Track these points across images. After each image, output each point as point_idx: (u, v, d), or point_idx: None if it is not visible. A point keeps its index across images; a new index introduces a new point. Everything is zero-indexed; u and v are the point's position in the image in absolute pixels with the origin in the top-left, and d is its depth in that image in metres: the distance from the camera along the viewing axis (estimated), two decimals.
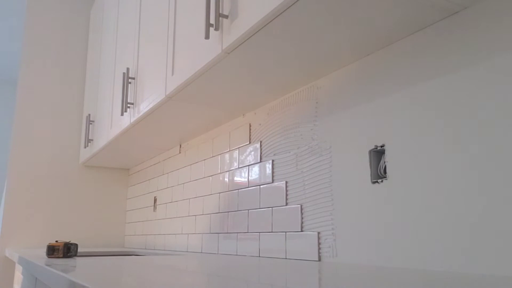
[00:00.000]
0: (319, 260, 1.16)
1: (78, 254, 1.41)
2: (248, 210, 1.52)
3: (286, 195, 1.33)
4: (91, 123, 2.43)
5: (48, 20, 2.82)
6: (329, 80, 1.21)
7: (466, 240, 0.82)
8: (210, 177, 1.82)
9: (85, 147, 2.46)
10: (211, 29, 1.08)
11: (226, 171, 1.70)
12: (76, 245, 1.38)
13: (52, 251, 1.35)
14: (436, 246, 0.87)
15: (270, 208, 1.40)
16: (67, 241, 1.39)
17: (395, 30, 0.97)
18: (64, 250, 1.35)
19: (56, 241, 1.38)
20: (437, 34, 0.93)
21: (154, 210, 2.40)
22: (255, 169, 1.51)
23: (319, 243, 1.17)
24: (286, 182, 1.34)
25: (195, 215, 1.91)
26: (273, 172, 1.41)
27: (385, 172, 1.01)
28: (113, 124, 2.01)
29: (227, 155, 1.71)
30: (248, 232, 1.50)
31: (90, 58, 2.80)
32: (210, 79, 1.25)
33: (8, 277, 2.39)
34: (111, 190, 2.78)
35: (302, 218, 1.25)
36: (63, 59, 2.79)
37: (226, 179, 1.69)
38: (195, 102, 1.47)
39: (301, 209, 1.25)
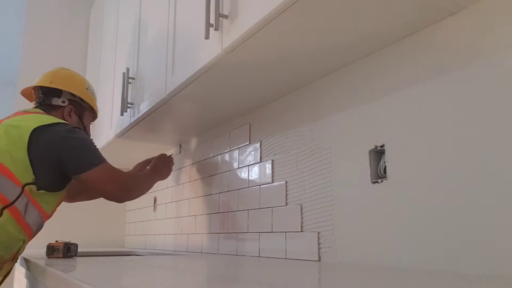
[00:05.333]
0: (319, 260, 1.16)
1: (78, 254, 1.41)
2: (248, 210, 1.52)
3: (286, 195, 1.33)
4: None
5: (48, 20, 2.82)
6: (329, 80, 1.21)
7: (467, 240, 0.82)
8: (210, 177, 1.82)
9: None
10: (211, 29, 1.08)
11: (226, 171, 1.70)
12: (76, 245, 1.38)
13: (52, 251, 1.34)
14: (436, 246, 0.87)
15: (270, 208, 1.40)
16: (67, 241, 1.39)
17: (395, 30, 0.97)
18: (64, 250, 1.35)
19: (56, 241, 1.38)
20: (436, 34, 0.93)
21: (154, 210, 2.40)
22: (255, 169, 1.51)
23: (319, 243, 1.17)
24: (286, 182, 1.34)
25: (195, 215, 1.91)
26: (273, 172, 1.41)
27: (385, 172, 1.01)
28: (113, 124, 2.01)
29: (227, 155, 1.71)
30: (248, 232, 1.50)
31: (90, 58, 2.80)
32: (210, 79, 1.25)
33: (8, 277, 2.39)
34: None
35: (302, 218, 1.25)
36: (63, 59, 2.79)
37: (226, 179, 1.69)
38: (195, 102, 1.47)
39: (301, 209, 1.25)
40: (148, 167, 1.75)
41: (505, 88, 0.79)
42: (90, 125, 1.64)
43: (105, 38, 2.45)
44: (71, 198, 1.70)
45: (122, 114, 1.78)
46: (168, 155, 1.88)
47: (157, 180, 1.74)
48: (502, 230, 0.76)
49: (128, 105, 1.78)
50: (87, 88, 1.56)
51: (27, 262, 1.25)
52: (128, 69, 1.83)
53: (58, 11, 2.87)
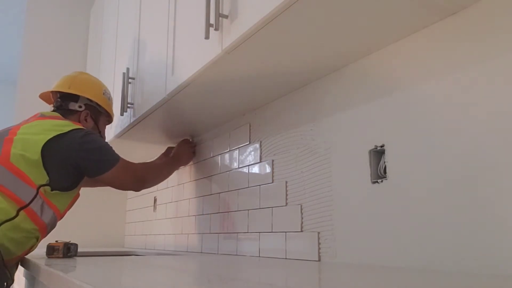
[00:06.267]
0: (319, 260, 1.16)
1: (78, 254, 1.41)
2: (248, 210, 1.52)
3: (286, 195, 1.33)
4: None
5: (48, 20, 2.82)
6: (329, 80, 1.21)
7: (467, 240, 0.82)
8: (210, 177, 1.82)
9: None
10: (211, 29, 1.08)
11: (226, 171, 1.70)
12: (76, 245, 1.38)
13: (52, 251, 1.34)
14: (436, 246, 0.87)
15: (270, 208, 1.40)
16: (67, 241, 1.39)
17: (394, 31, 0.97)
18: (64, 250, 1.34)
19: (56, 241, 1.38)
20: (436, 34, 0.93)
21: (154, 210, 2.40)
22: (255, 169, 1.51)
23: (319, 243, 1.17)
24: (286, 182, 1.34)
25: (195, 215, 1.91)
26: (273, 172, 1.41)
27: (385, 172, 1.01)
28: (113, 124, 2.01)
29: (227, 155, 1.71)
30: (248, 232, 1.50)
31: (90, 58, 2.80)
32: (209, 79, 1.25)
33: None
34: (111, 190, 2.77)
35: (302, 218, 1.25)
36: (63, 59, 2.79)
37: (226, 179, 1.69)
38: (195, 102, 1.47)
39: (301, 209, 1.25)
40: (170, 155, 1.85)
41: (506, 89, 0.79)
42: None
43: (105, 38, 2.45)
44: (92, 185, 1.80)
45: (122, 114, 1.78)
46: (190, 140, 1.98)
47: (178, 166, 1.87)
48: (502, 230, 0.76)
49: (128, 105, 1.78)
50: (103, 93, 1.60)
51: (26, 262, 1.25)
52: (128, 69, 1.83)
53: (58, 11, 2.87)
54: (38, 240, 1.31)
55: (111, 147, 1.41)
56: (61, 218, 1.38)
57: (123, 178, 1.42)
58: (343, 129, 1.14)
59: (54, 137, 1.29)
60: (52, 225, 1.34)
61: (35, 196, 1.23)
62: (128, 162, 1.45)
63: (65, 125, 1.35)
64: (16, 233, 1.21)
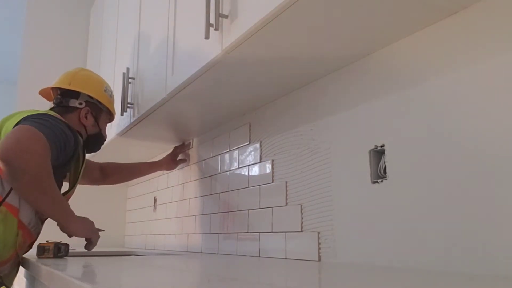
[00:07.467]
0: (319, 260, 1.16)
1: (77, 254, 1.40)
2: (248, 210, 1.52)
3: (286, 195, 1.33)
4: None
5: (48, 20, 2.82)
6: (329, 80, 1.21)
7: (467, 240, 0.82)
8: (210, 177, 1.82)
9: None
10: (211, 29, 1.08)
11: (226, 171, 1.70)
12: (67, 245, 1.33)
13: (42, 251, 1.29)
14: (436, 246, 0.87)
15: (270, 208, 1.39)
16: (58, 241, 1.34)
17: (395, 30, 0.97)
18: (54, 250, 1.30)
19: (47, 241, 1.34)
20: (437, 34, 0.93)
21: (154, 210, 2.39)
22: (255, 169, 1.51)
23: (319, 243, 1.17)
24: (286, 182, 1.34)
25: (195, 215, 1.91)
26: (273, 172, 1.41)
27: (385, 172, 1.01)
28: (113, 124, 2.01)
29: (227, 155, 1.71)
30: (248, 232, 1.50)
31: (90, 58, 2.80)
32: (210, 79, 1.25)
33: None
34: (111, 190, 2.78)
35: (302, 218, 1.25)
36: (63, 59, 2.79)
37: (226, 179, 1.69)
38: (195, 102, 1.47)
39: (301, 209, 1.25)
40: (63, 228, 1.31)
41: (505, 89, 0.79)
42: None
43: (105, 38, 2.45)
44: (96, 182, 1.82)
45: (122, 114, 1.78)
46: (186, 143, 2.02)
47: (68, 223, 1.29)
48: (502, 230, 0.76)
49: (128, 105, 1.78)
50: (104, 90, 1.56)
51: (26, 262, 1.25)
52: (128, 69, 1.83)
53: (58, 11, 2.87)
54: (18, 236, 1.23)
55: (49, 127, 1.19)
56: (42, 222, 1.33)
57: (12, 137, 1.11)
58: (343, 129, 1.14)
59: (24, 118, 1.21)
60: (36, 224, 1.28)
61: (11, 190, 1.18)
62: (37, 139, 1.12)
63: (41, 111, 1.28)
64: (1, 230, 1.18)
